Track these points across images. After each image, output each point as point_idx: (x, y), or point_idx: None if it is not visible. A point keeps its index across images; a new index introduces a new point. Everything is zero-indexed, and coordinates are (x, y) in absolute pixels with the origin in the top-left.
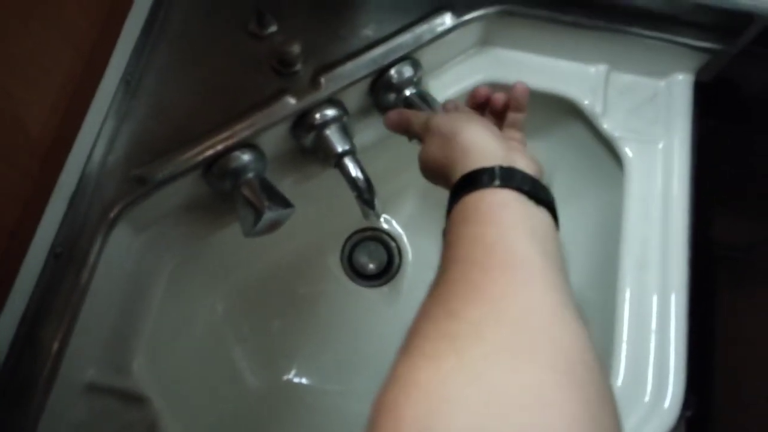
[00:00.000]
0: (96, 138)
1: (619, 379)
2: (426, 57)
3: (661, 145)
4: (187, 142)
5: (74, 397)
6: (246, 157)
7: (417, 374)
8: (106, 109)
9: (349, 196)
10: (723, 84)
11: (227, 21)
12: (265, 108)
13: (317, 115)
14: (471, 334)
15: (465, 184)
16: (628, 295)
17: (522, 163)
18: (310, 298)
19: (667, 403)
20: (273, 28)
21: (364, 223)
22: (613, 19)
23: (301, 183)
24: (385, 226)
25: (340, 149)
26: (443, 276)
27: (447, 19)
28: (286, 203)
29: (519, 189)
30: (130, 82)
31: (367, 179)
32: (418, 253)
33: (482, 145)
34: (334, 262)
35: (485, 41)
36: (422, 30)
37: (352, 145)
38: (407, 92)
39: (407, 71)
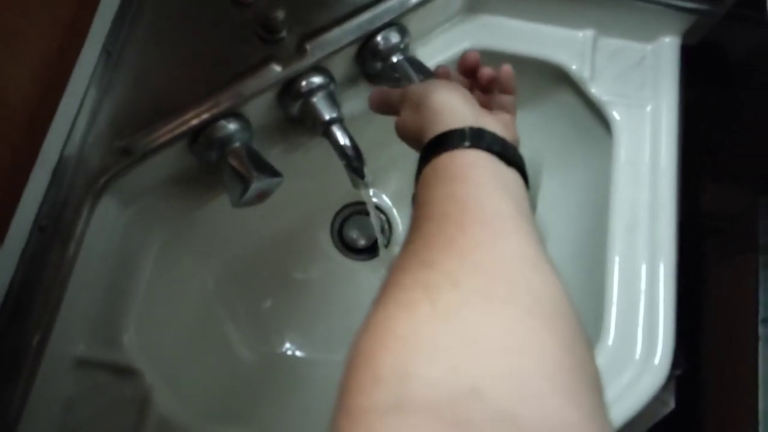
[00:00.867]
0: (78, 109)
1: (610, 339)
2: (413, 23)
3: (648, 108)
4: (172, 112)
5: (64, 372)
6: (232, 126)
7: (392, 323)
8: (88, 79)
9: (339, 169)
10: (709, 48)
11: None
12: (250, 76)
13: (303, 83)
14: (446, 282)
15: (434, 146)
16: (617, 257)
17: (492, 126)
18: (301, 273)
19: (657, 360)
20: None
21: (354, 198)
22: None
23: (289, 153)
24: (374, 199)
25: (327, 117)
26: (417, 232)
27: None
28: (274, 172)
29: (489, 149)
30: (111, 53)
31: (355, 147)
32: (408, 225)
33: (451, 107)
34: (324, 237)
35: (472, 8)
36: None
37: (340, 113)
38: (394, 59)
39: (394, 37)
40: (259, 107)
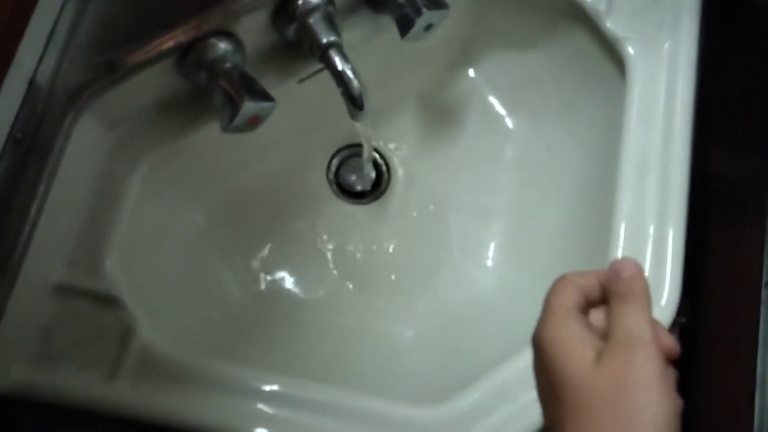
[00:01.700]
0: (57, 17)
1: None
2: None
3: (666, 45)
4: (159, 27)
5: (42, 298)
6: (223, 45)
7: None
8: None
9: (335, 106)
10: None
11: None
12: None
13: (300, 2)
14: None
15: None
16: (626, 198)
17: None
18: (296, 214)
19: (663, 300)
20: None
21: (352, 140)
22: None
23: (284, 82)
24: (374, 142)
25: (325, 40)
26: None
27: None
28: (266, 96)
29: None
30: None
31: (355, 73)
32: (409, 170)
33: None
34: (319, 178)
35: None
36: None
37: (339, 37)
38: None
39: None
40: (253, 27)
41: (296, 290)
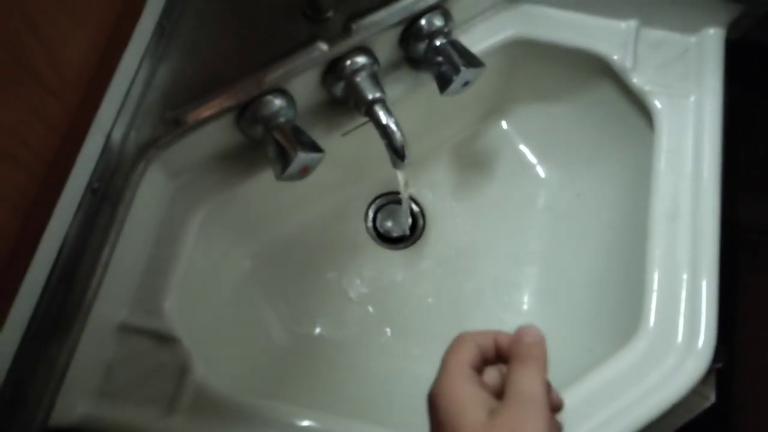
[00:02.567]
0: (134, 77)
1: (651, 322)
2: (456, 8)
3: (692, 99)
4: (221, 86)
5: (107, 336)
6: (278, 102)
7: None
8: (144, 49)
9: (375, 157)
10: (752, 47)
11: None
12: (297, 54)
13: (348, 62)
14: None
15: None
16: (658, 244)
17: None
18: (335, 259)
19: (700, 344)
20: None
21: (388, 187)
22: None
23: (329, 134)
24: (411, 190)
25: (371, 96)
26: None
27: None
28: (316, 147)
29: None
30: (165, 27)
31: (398, 126)
32: (444, 217)
33: None
34: (358, 225)
35: None
36: None
37: (383, 93)
38: (437, 42)
39: (438, 21)
40: (304, 85)
41: (335, 334)
